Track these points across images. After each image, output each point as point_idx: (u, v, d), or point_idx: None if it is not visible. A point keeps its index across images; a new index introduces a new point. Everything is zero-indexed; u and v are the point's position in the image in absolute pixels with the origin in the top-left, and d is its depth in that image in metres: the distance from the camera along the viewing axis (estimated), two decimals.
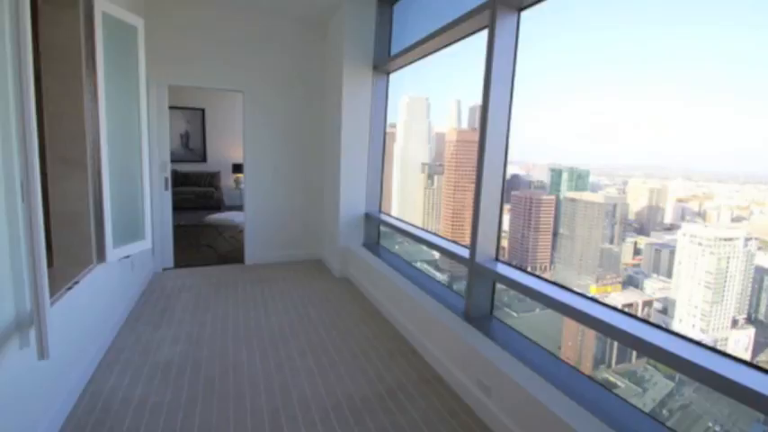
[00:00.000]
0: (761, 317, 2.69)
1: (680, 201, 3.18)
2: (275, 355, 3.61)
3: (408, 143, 5.54)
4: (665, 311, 3.04)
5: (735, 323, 2.75)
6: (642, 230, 3.31)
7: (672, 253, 3.06)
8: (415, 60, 4.81)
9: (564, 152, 3.95)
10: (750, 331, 2.68)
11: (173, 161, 6.23)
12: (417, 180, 5.43)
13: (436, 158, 5.28)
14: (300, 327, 4.19)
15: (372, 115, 5.59)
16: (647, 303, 3.14)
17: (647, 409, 2.55)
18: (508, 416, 2.65)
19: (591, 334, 3.35)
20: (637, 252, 3.30)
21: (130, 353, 3.57)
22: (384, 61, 5.31)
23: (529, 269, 3.60)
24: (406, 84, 5.44)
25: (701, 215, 3.06)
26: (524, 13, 3.19)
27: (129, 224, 3.76)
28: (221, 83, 5.97)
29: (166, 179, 5.78)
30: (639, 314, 3.11)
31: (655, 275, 3.17)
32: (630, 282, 3.28)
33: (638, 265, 3.27)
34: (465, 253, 3.53)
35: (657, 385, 2.95)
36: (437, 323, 3.47)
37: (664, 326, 2.39)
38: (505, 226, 3.80)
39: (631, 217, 3.41)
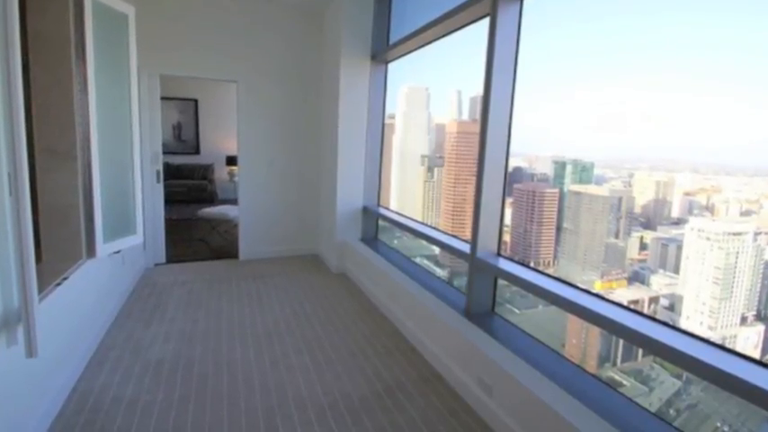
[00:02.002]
0: None
1: (687, 194, 3.13)
2: (270, 353, 3.54)
3: (407, 135, 5.47)
4: (671, 308, 3.00)
5: (744, 320, 2.70)
6: (648, 225, 3.26)
7: (679, 248, 3.02)
8: (415, 50, 4.72)
9: (568, 144, 3.90)
10: (759, 328, 2.64)
11: (165, 153, 6.13)
12: (417, 173, 5.37)
13: (436, 150, 5.22)
14: (296, 323, 4.12)
15: (370, 106, 5.51)
16: (654, 300, 3.10)
17: (653, 409, 2.50)
18: (509, 415, 2.59)
19: (595, 331, 3.30)
20: (643, 247, 3.26)
21: (121, 351, 3.49)
22: (382, 50, 5.21)
23: (531, 264, 3.55)
24: (406, 73, 5.37)
25: (709, 209, 3.01)
26: (527, 1, 3.11)
27: (119, 218, 3.68)
28: (215, 72, 5.86)
29: (158, 172, 5.67)
30: (645, 311, 3.07)
31: (661, 271, 3.13)
32: (636, 277, 3.23)
33: (644, 261, 3.23)
34: (466, 248, 3.46)
35: (664, 384, 2.91)
36: (437, 320, 3.40)
37: (670, 323, 2.33)
38: (507, 220, 3.75)
39: (637, 211, 3.36)
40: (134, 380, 3.08)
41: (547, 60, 3.69)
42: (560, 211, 3.83)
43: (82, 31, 3.17)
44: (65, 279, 2.94)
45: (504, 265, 3.16)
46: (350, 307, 4.58)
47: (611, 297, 2.76)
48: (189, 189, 10.24)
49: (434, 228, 4.52)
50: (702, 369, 1.88)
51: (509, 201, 3.82)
